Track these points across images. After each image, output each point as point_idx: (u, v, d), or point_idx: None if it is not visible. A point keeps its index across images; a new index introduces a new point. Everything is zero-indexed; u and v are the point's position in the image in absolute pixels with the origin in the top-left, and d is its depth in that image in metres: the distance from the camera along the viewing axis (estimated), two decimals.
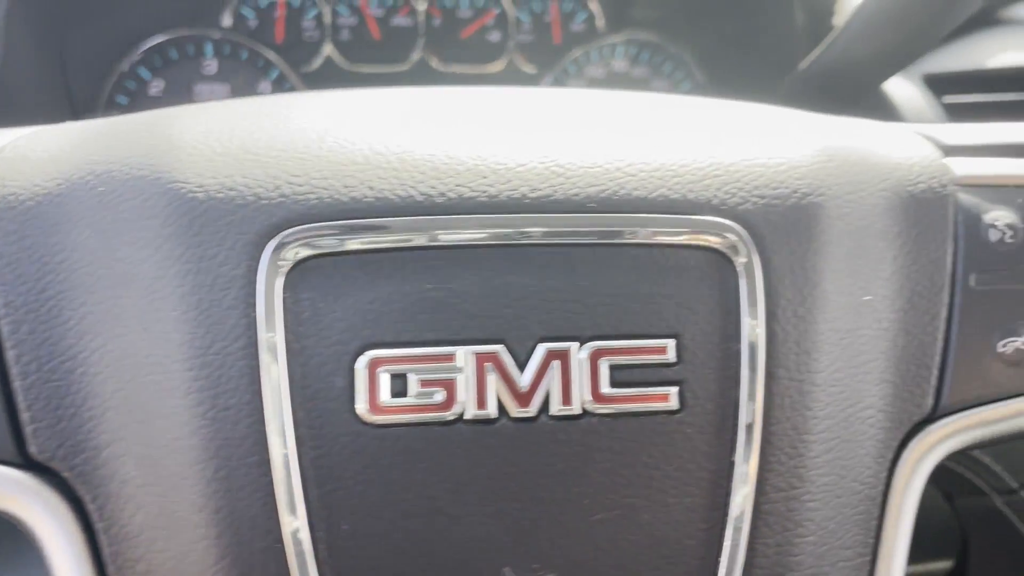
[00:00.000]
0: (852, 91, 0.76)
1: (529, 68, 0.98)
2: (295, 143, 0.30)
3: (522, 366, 0.29)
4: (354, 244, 0.29)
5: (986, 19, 0.70)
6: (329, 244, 0.29)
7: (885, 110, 0.68)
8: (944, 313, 0.32)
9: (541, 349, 0.29)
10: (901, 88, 0.74)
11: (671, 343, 0.30)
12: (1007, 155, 0.33)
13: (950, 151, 0.34)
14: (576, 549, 0.29)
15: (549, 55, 0.96)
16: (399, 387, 0.29)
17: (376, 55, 0.95)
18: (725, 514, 0.30)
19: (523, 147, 0.31)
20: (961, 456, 0.78)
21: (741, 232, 0.30)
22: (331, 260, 0.29)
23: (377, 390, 0.29)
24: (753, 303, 0.30)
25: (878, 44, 0.72)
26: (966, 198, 0.32)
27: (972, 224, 0.32)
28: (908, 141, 0.34)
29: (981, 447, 0.35)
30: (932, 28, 0.68)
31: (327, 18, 0.95)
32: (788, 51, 0.84)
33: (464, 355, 0.29)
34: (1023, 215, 0.32)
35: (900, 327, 0.31)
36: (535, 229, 0.29)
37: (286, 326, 0.28)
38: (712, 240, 0.30)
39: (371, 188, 0.29)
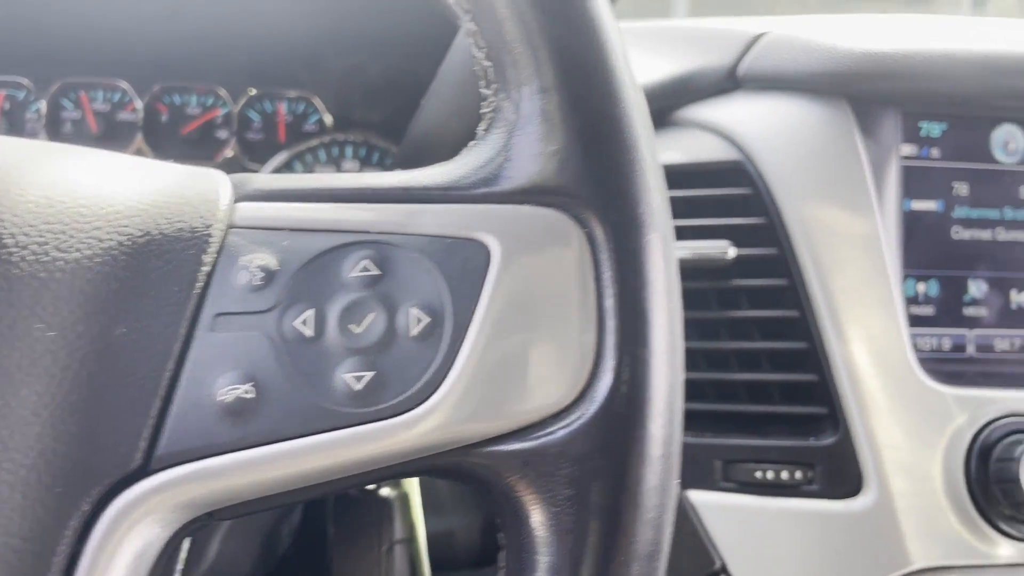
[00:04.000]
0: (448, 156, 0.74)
1: (252, 165, 0.95)
2: None
3: None
4: None
5: (662, 120, 0.70)
6: None
7: None
8: (173, 357, 0.28)
9: None
10: None
11: None
12: (299, 200, 0.31)
13: (248, 196, 0.32)
14: None
15: (273, 152, 0.94)
16: None
17: (93, 147, 0.92)
18: None
19: None
20: None
21: None
22: None
23: None
24: None
25: (451, 124, 0.73)
26: (235, 240, 0.30)
27: (228, 266, 0.29)
28: (202, 184, 0.32)
29: (227, 515, 0.29)
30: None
31: (44, 110, 0.94)
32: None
33: None
34: (281, 257, 0.30)
35: (111, 369, 0.28)
36: None
37: None
38: None
39: None
